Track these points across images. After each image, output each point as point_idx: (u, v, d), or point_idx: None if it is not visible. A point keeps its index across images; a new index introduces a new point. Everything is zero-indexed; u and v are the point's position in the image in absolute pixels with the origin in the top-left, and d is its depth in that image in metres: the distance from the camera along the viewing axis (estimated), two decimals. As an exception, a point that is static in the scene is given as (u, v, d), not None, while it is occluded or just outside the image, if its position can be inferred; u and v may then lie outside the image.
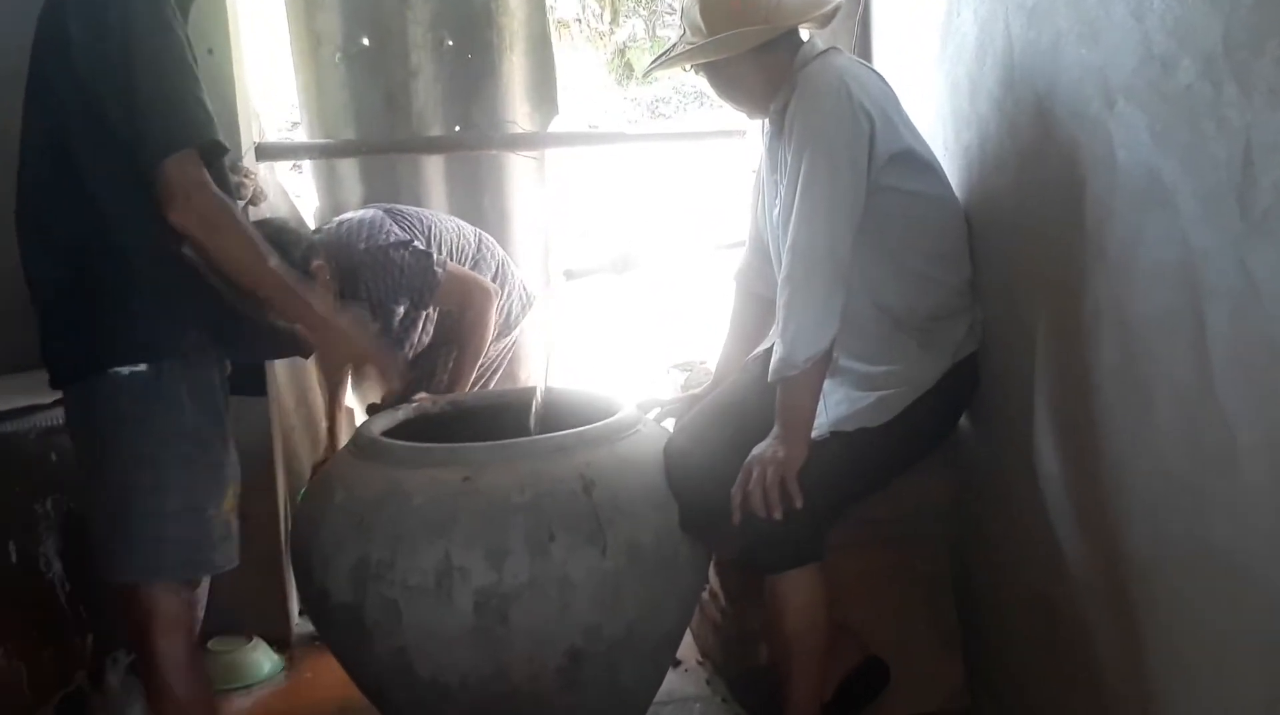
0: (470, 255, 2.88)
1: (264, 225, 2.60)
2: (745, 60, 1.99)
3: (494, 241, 2.99)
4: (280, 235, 2.50)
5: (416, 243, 2.72)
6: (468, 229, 2.93)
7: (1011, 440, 2.02)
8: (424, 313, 2.81)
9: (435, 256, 2.72)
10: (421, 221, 2.82)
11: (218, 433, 1.80)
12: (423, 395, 2.53)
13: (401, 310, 2.75)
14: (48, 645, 2.14)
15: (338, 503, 2.03)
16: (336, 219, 2.84)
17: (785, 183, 1.94)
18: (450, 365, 2.85)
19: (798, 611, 1.99)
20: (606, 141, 3.88)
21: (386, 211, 2.81)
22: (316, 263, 2.54)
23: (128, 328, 1.71)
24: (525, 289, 3.04)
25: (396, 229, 2.73)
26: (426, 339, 2.88)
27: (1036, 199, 1.89)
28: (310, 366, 3.08)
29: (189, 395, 1.75)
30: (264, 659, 2.70)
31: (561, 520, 1.91)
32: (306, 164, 3.28)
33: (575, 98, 10.51)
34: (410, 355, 2.86)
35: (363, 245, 2.67)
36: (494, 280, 2.89)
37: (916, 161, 1.99)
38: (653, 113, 11.24)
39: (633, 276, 2.44)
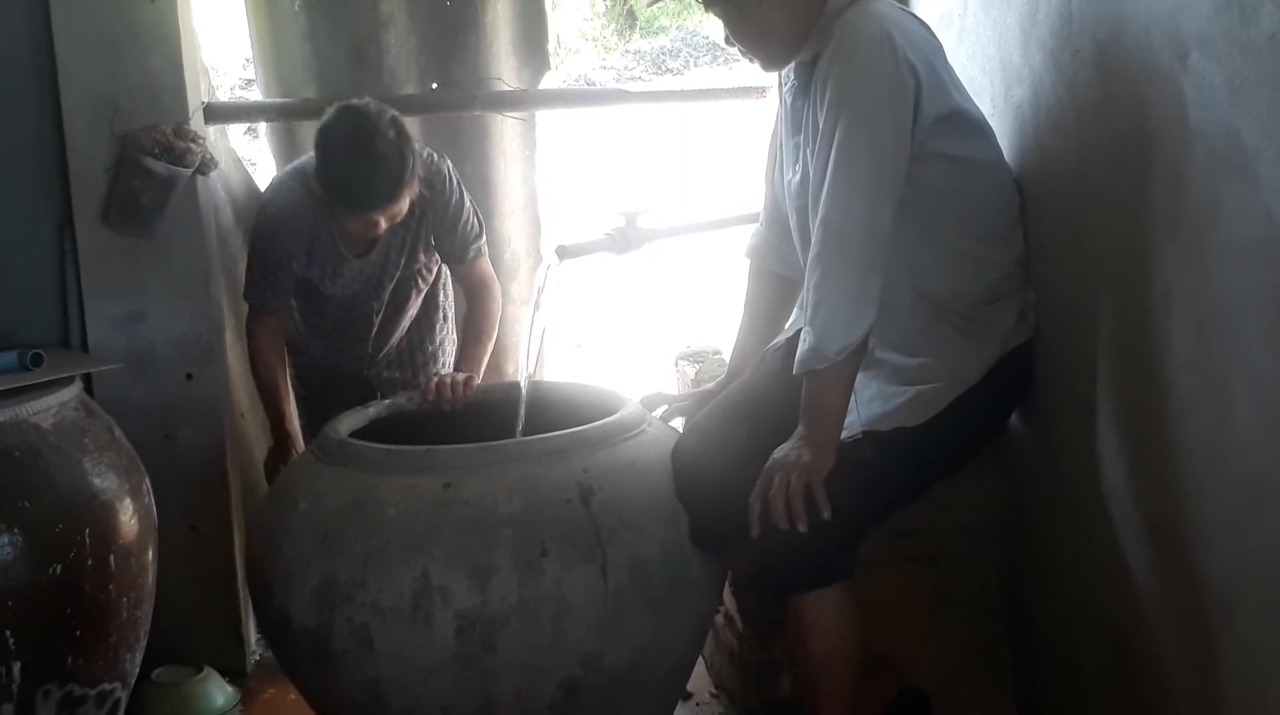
0: None
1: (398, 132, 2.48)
2: None
3: None
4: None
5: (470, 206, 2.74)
6: None
7: (1069, 443, 2.02)
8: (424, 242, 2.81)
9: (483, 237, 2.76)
10: None
11: None
12: (436, 374, 2.53)
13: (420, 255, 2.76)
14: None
15: (300, 514, 2.03)
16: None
17: (816, 148, 1.93)
18: (455, 350, 2.89)
19: (825, 637, 1.99)
20: (605, 101, 3.88)
21: None
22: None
23: None
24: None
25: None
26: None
27: (1097, 166, 1.88)
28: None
29: None
30: (216, 691, 2.71)
31: (555, 533, 1.92)
32: (262, 127, 3.28)
33: (569, 51, 10.48)
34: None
35: (434, 165, 2.65)
36: None
37: (966, 123, 1.99)
38: (659, 68, 11.20)
39: (636, 255, 2.43)
